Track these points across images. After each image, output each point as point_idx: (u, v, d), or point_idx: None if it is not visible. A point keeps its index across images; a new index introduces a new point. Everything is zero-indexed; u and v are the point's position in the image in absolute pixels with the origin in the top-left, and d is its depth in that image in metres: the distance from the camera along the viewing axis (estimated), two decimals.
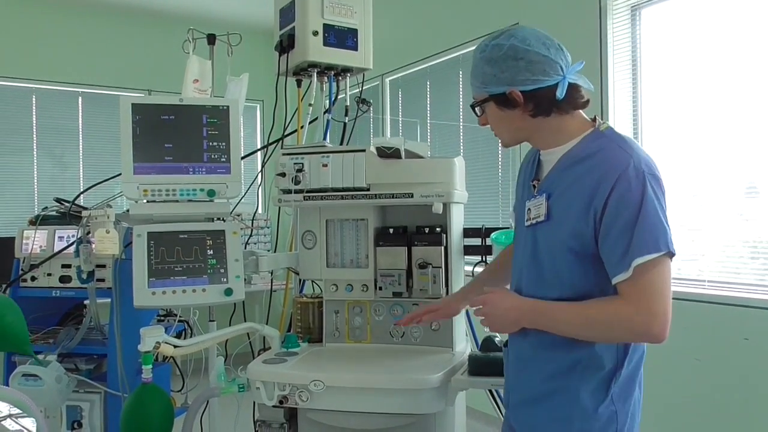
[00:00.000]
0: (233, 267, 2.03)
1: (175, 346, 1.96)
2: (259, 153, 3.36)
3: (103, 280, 2.54)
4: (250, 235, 3.68)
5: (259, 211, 5.65)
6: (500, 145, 1.63)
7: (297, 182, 2.08)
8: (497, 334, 1.99)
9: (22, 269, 2.67)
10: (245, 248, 2.31)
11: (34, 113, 5.65)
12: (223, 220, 2.14)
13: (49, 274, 2.67)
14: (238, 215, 2.34)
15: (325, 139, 2.57)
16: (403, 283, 2.10)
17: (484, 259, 2.29)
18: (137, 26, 5.99)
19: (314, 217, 2.25)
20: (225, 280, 2.01)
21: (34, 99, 5.64)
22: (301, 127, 2.60)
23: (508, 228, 2.19)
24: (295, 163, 2.09)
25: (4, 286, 2.75)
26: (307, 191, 2.11)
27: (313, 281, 2.44)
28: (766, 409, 2.86)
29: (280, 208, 2.22)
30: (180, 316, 2.63)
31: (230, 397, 2.12)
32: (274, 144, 2.63)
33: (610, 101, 3.55)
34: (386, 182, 2.05)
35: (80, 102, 5.83)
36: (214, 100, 2.21)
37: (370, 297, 2.18)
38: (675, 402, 3.20)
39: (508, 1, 4.18)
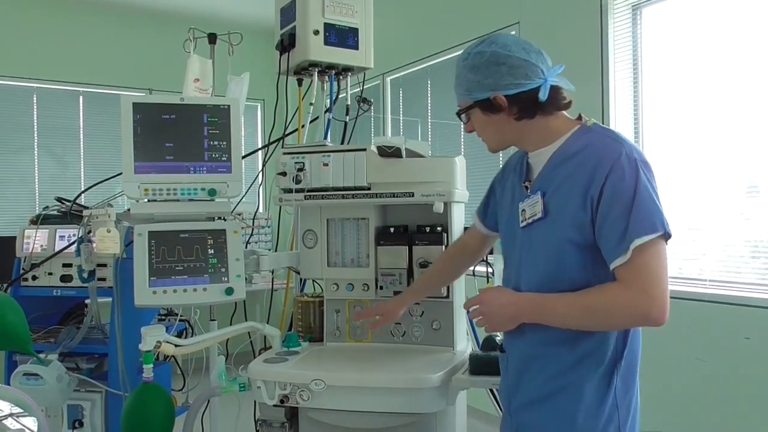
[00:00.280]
0: (234, 266, 2.03)
1: (176, 345, 1.96)
2: (260, 152, 3.36)
3: (104, 280, 2.54)
4: (251, 235, 3.68)
5: (260, 210, 5.65)
6: (487, 149, 1.65)
7: (298, 181, 2.08)
8: (498, 334, 1.99)
9: (23, 268, 2.68)
10: (246, 247, 2.31)
11: (35, 112, 5.65)
12: (224, 219, 2.15)
13: (50, 274, 2.68)
14: (239, 214, 2.34)
15: (325, 138, 2.57)
16: (404, 282, 2.10)
17: (485, 257, 2.29)
18: (138, 25, 5.99)
19: (315, 217, 2.25)
20: (226, 279, 2.01)
21: (35, 98, 5.64)
22: (302, 126, 2.60)
23: None
24: (295, 163, 2.09)
25: (5, 285, 2.75)
26: (308, 190, 2.11)
27: (314, 280, 2.44)
28: (767, 408, 2.86)
29: (280, 207, 2.22)
30: (181, 316, 2.64)
31: (231, 396, 2.12)
32: (275, 143, 2.63)
33: (611, 100, 3.55)
34: (387, 181, 2.05)
35: (81, 101, 5.83)
36: (215, 100, 2.20)
37: (371, 296, 2.18)
38: (677, 401, 3.20)
39: (509, 1, 4.17)
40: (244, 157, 2.21)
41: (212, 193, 2.05)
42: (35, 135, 5.66)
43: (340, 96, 2.62)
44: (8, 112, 5.54)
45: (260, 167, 2.80)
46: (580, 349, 1.47)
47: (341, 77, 2.60)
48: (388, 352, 2.09)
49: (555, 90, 1.51)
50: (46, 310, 2.77)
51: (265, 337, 2.22)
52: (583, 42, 3.68)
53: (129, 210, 2.11)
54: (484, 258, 2.30)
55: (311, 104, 2.60)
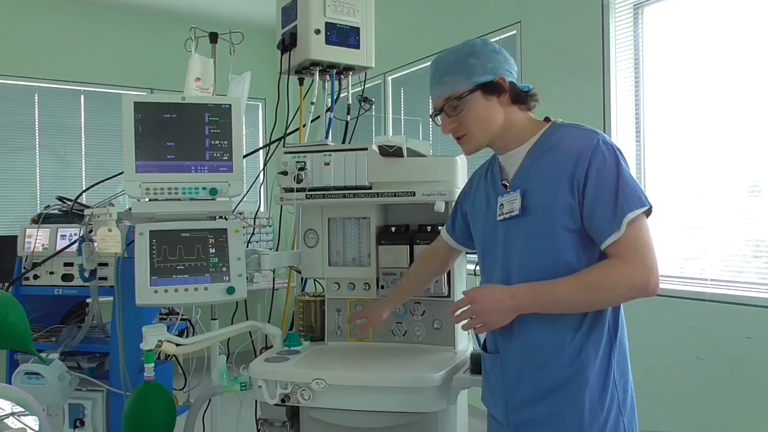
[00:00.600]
0: (235, 265, 2.03)
1: (177, 345, 1.96)
2: (261, 151, 3.36)
3: (105, 279, 2.54)
4: (252, 234, 3.68)
5: (262, 209, 5.65)
6: (465, 150, 1.67)
7: (299, 181, 2.08)
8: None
9: (24, 267, 2.68)
10: (247, 247, 2.31)
11: (36, 111, 5.65)
12: (225, 218, 2.14)
13: (52, 273, 2.68)
14: (240, 214, 2.34)
15: (327, 137, 2.57)
16: None
17: None
18: (139, 25, 5.99)
19: (316, 216, 2.25)
20: (227, 278, 2.02)
21: (36, 97, 5.65)
22: (303, 125, 2.60)
23: None
24: (297, 162, 2.09)
25: (6, 284, 2.76)
26: (309, 190, 2.10)
27: (315, 280, 2.44)
28: None
29: (282, 206, 2.22)
30: (182, 315, 2.64)
31: (232, 395, 2.12)
32: (277, 142, 2.63)
33: (612, 100, 3.55)
34: (388, 181, 2.05)
35: (82, 100, 5.83)
36: (216, 99, 2.21)
37: (372, 295, 2.18)
38: (677, 401, 3.19)
39: (510, 1, 4.17)
40: (245, 157, 2.21)
41: (213, 192, 2.05)
42: (37, 134, 5.66)
43: (341, 95, 2.62)
44: (10, 112, 5.54)
45: (261, 166, 2.80)
46: (580, 335, 1.51)
47: (342, 76, 2.60)
48: (389, 352, 2.09)
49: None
50: (47, 310, 2.77)
51: (266, 336, 2.22)
52: (584, 41, 3.68)
53: (130, 209, 2.11)
54: None
55: (312, 103, 2.60)
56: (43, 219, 2.72)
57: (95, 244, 2.21)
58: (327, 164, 2.07)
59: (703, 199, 3.25)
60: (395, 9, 5.13)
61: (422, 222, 2.14)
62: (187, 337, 2.35)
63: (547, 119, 1.65)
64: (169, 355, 2.53)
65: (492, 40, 1.75)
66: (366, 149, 2.06)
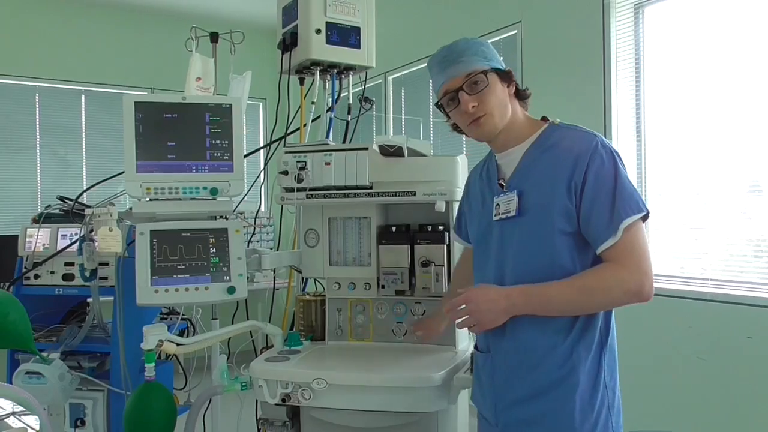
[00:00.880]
0: (236, 265, 2.03)
1: (177, 344, 1.96)
2: (262, 151, 3.36)
3: (106, 278, 2.54)
4: (253, 233, 3.68)
5: (262, 209, 5.65)
6: (481, 132, 1.62)
7: (300, 180, 2.08)
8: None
9: (25, 267, 2.68)
10: (248, 246, 2.31)
11: (37, 111, 5.66)
12: (225, 218, 2.14)
13: (52, 272, 2.68)
14: (241, 213, 2.34)
15: (327, 137, 2.57)
16: (405, 281, 2.10)
17: None
18: (140, 24, 5.99)
19: (317, 216, 2.25)
20: (228, 278, 2.01)
21: (37, 97, 5.65)
22: (304, 125, 2.60)
23: None
24: (297, 162, 2.09)
25: (7, 284, 2.76)
26: (310, 189, 2.10)
27: (315, 279, 2.44)
28: None
29: (282, 206, 2.22)
30: (183, 314, 2.64)
31: (233, 395, 2.12)
32: (277, 142, 2.63)
33: (612, 99, 3.55)
34: (389, 180, 2.05)
35: (83, 100, 5.83)
36: (216, 98, 2.20)
37: (373, 295, 2.18)
38: (678, 400, 3.19)
39: (511, 0, 4.17)
40: (245, 156, 2.21)
41: (214, 192, 2.05)
42: (37, 134, 5.66)
43: (341, 95, 2.62)
44: (10, 111, 5.55)
45: (262, 166, 2.80)
46: (572, 337, 1.51)
47: (343, 76, 2.60)
48: (389, 351, 2.09)
49: None
50: (48, 309, 2.77)
51: (266, 336, 2.22)
52: (585, 41, 3.67)
53: (131, 209, 2.11)
54: None
55: (313, 103, 2.60)
56: (43, 219, 2.72)
57: (96, 243, 2.21)
58: (327, 164, 2.07)
59: (703, 198, 3.25)
60: (396, 9, 5.12)
61: (423, 222, 2.14)
62: (187, 336, 2.35)
63: (544, 119, 1.65)
64: (169, 355, 2.53)
65: (493, 39, 1.76)
66: (366, 149, 2.06)
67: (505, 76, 1.60)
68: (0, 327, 2.06)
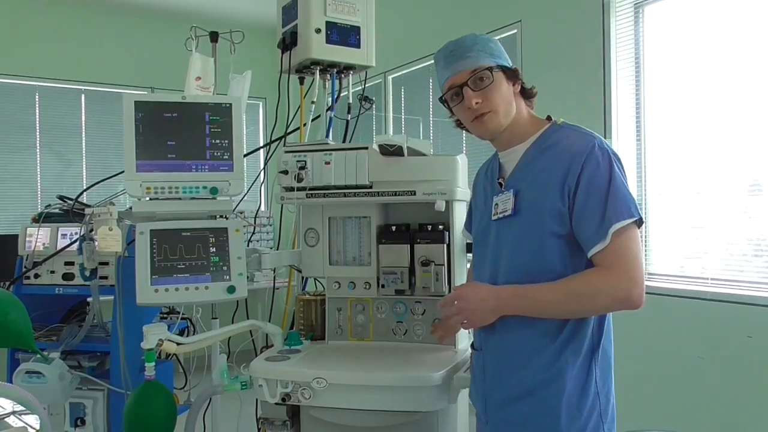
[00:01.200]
0: (236, 264, 2.03)
1: (177, 344, 1.96)
2: (261, 150, 3.36)
3: (106, 278, 2.54)
4: (253, 233, 3.68)
5: (262, 208, 5.65)
6: (485, 130, 1.60)
7: (300, 180, 2.08)
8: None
9: (25, 266, 2.68)
10: (248, 246, 2.31)
11: (37, 111, 5.66)
12: (225, 217, 2.14)
13: (53, 272, 2.68)
14: (241, 213, 2.34)
15: (327, 136, 2.57)
16: (405, 280, 2.10)
17: None
18: (140, 24, 5.99)
19: (317, 215, 2.25)
20: (228, 277, 2.01)
21: (37, 97, 5.65)
22: (304, 124, 2.60)
23: None
24: (297, 161, 2.09)
25: (7, 283, 2.76)
26: (310, 189, 2.10)
27: (315, 279, 2.44)
28: None
29: (282, 205, 2.22)
30: (183, 314, 2.64)
31: (233, 394, 2.12)
32: (277, 141, 2.62)
33: (612, 99, 3.55)
34: (389, 180, 2.04)
35: (83, 100, 5.83)
36: (216, 98, 2.20)
37: (373, 295, 2.18)
38: (678, 400, 3.19)
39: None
40: (245, 156, 2.21)
41: (214, 191, 2.05)
42: (37, 133, 5.66)
43: (341, 94, 2.62)
44: (10, 111, 5.55)
45: (262, 165, 2.80)
46: (560, 340, 1.50)
47: (343, 75, 2.60)
48: (389, 351, 2.09)
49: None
50: (48, 309, 2.77)
51: (266, 335, 2.22)
52: (584, 40, 3.67)
53: (131, 208, 2.11)
54: None
55: (313, 102, 2.60)
56: (43, 218, 2.72)
57: (96, 243, 2.21)
58: (327, 163, 2.07)
59: (703, 198, 3.25)
60: (396, 8, 5.12)
61: (423, 221, 2.14)
62: (187, 336, 2.35)
63: (548, 118, 1.64)
64: (169, 354, 2.53)
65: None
66: (366, 148, 2.06)
67: (512, 73, 1.59)
68: (0, 326, 2.07)
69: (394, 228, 2.15)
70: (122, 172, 2.04)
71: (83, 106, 5.83)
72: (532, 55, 4.00)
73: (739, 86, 3.08)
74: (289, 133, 2.65)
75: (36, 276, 2.68)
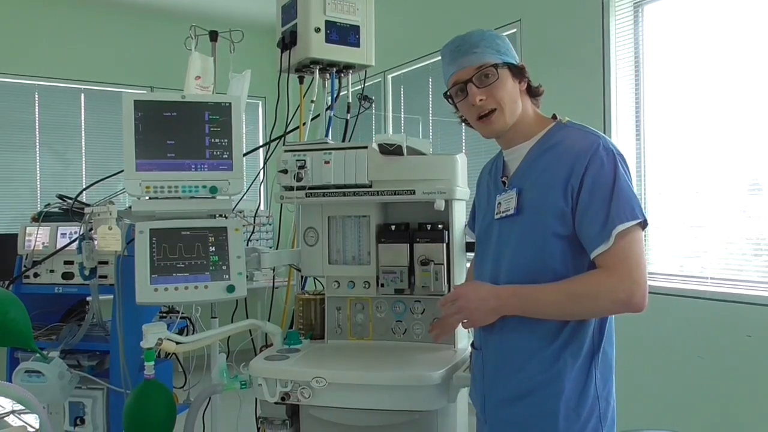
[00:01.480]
0: (235, 264, 2.03)
1: (177, 343, 1.96)
2: (261, 150, 3.36)
3: (105, 277, 2.55)
4: (252, 232, 3.68)
5: (262, 207, 5.63)
6: (491, 129, 1.59)
7: (299, 179, 2.08)
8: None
9: (24, 266, 2.68)
10: (247, 245, 2.31)
11: (36, 110, 5.65)
12: (225, 216, 2.14)
13: (52, 271, 2.68)
14: (241, 212, 2.34)
15: (327, 135, 2.57)
16: (405, 279, 2.10)
17: None
18: (139, 23, 5.99)
19: (316, 214, 2.25)
20: (227, 276, 2.01)
21: (36, 96, 5.65)
22: (303, 123, 2.60)
23: None
24: (297, 160, 2.09)
25: (7, 282, 2.76)
26: (309, 188, 2.10)
27: (315, 278, 2.44)
28: None
29: (282, 204, 2.22)
30: (182, 313, 2.64)
31: (232, 393, 2.12)
32: (277, 141, 2.62)
33: (612, 98, 3.55)
34: (388, 179, 2.04)
35: (83, 99, 5.83)
36: (216, 97, 2.20)
37: (372, 294, 2.18)
38: (678, 399, 3.20)
39: None
40: (245, 155, 2.21)
41: (213, 190, 2.05)
42: (37, 132, 5.66)
43: (341, 93, 2.62)
44: (10, 110, 5.55)
45: (261, 165, 2.80)
46: (559, 342, 1.48)
47: (342, 75, 2.60)
48: (389, 350, 2.09)
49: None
50: (47, 308, 2.77)
51: (266, 334, 2.22)
52: (584, 40, 3.67)
53: (130, 207, 2.11)
54: None
55: (312, 102, 2.60)
56: (43, 217, 2.72)
57: (95, 242, 2.21)
58: (327, 162, 2.07)
59: (703, 197, 3.25)
60: (395, 7, 5.12)
61: (422, 220, 2.14)
62: (187, 335, 2.35)
63: (554, 117, 1.62)
64: (169, 354, 2.53)
65: None
66: (366, 147, 2.06)
67: (518, 71, 1.58)
68: (0, 325, 2.07)
69: (393, 227, 2.15)
70: (122, 171, 2.04)
71: (83, 105, 5.83)
72: (532, 54, 4.00)
73: (739, 85, 3.08)
74: (289, 132, 2.65)
75: (35, 275, 2.68)
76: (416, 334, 2.14)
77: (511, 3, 4.16)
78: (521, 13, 4.09)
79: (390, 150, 2.02)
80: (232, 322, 2.20)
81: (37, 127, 5.66)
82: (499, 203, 1.60)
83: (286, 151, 2.15)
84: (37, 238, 2.68)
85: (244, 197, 2.28)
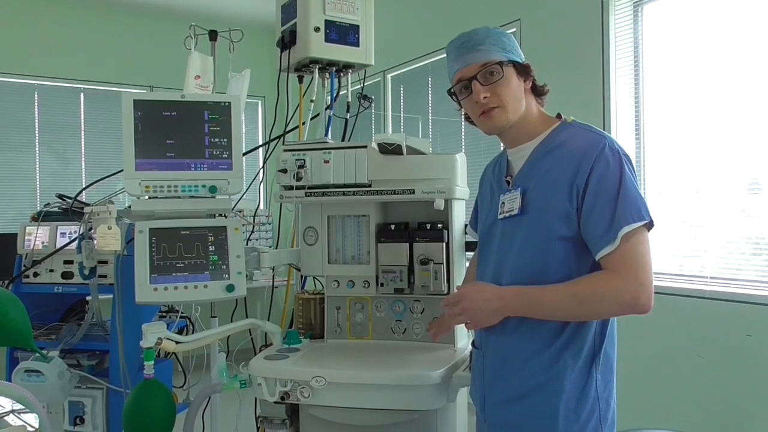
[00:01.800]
0: (235, 263, 2.03)
1: (177, 342, 1.96)
2: (260, 149, 3.36)
3: (105, 276, 2.54)
4: (252, 231, 3.68)
5: (261, 207, 5.65)
6: (492, 125, 1.59)
7: (299, 178, 2.08)
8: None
9: (24, 265, 2.68)
10: (247, 244, 2.31)
11: (36, 109, 5.65)
12: (224, 216, 2.14)
13: (52, 270, 2.68)
14: (240, 211, 2.34)
15: (326, 135, 2.57)
16: (404, 279, 2.10)
17: None
18: (139, 22, 5.99)
19: (316, 214, 2.25)
20: (227, 276, 2.01)
21: (36, 95, 5.65)
22: (303, 123, 2.60)
23: None
24: (296, 160, 2.09)
25: (6, 282, 2.76)
26: (309, 187, 2.10)
27: (314, 277, 2.44)
28: None
29: (281, 204, 2.22)
30: (182, 312, 2.64)
31: (232, 393, 2.12)
32: (276, 140, 2.62)
33: (612, 97, 3.55)
34: (388, 178, 2.04)
35: (82, 98, 5.83)
36: (215, 96, 2.20)
37: (372, 293, 2.18)
38: (677, 399, 3.20)
39: None
40: (244, 154, 2.21)
41: (213, 190, 2.05)
42: (36, 132, 5.66)
43: (340, 93, 2.62)
44: (9, 109, 5.55)
45: (261, 164, 2.80)
46: (559, 342, 1.48)
47: (342, 74, 2.59)
48: (388, 349, 2.09)
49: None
50: (47, 307, 2.77)
51: (265, 334, 2.22)
52: (584, 39, 3.67)
53: (130, 207, 2.11)
54: None
55: (312, 101, 2.60)
56: (43, 217, 2.71)
57: (95, 241, 2.21)
58: (326, 162, 2.07)
59: (702, 196, 3.25)
60: (395, 7, 5.12)
61: (422, 220, 2.14)
62: (186, 334, 2.35)
63: (558, 116, 1.62)
64: (168, 353, 2.53)
65: None
66: (365, 147, 2.06)
67: (523, 69, 1.57)
68: (0, 325, 2.07)
69: (393, 226, 2.15)
70: (121, 170, 2.04)
71: (82, 104, 5.83)
72: (531, 53, 3.95)
73: (738, 85, 3.08)
74: (288, 131, 2.65)
75: (35, 274, 2.68)
76: (416, 334, 2.14)
77: (511, 2, 4.16)
78: (521, 13, 4.09)
79: (389, 149, 2.02)
80: (231, 321, 2.19)
81: (36, 126, 5.66)
82: (503, 203, 1.59)
83: (285, 150, 2.15)
84: (36, 237, 2.68)
85: (244, 197, 2.28)
